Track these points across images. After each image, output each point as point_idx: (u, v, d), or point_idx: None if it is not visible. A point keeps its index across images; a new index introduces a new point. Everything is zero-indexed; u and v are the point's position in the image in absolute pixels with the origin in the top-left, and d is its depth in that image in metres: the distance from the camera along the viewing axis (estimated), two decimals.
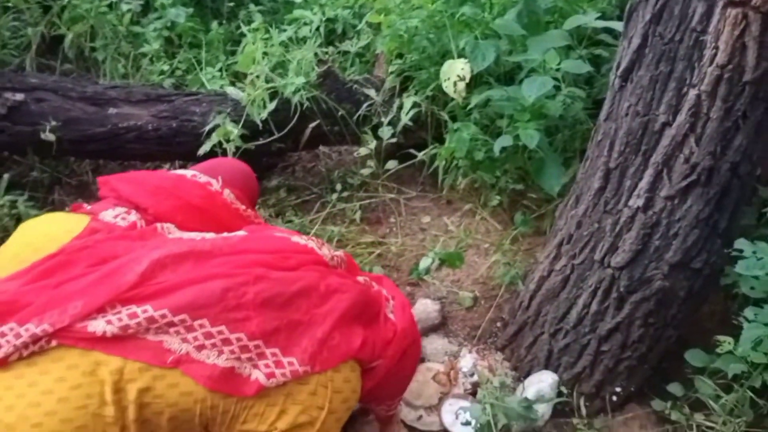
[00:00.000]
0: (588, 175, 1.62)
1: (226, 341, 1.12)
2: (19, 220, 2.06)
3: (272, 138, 2.23)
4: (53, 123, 2.06)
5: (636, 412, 1.78)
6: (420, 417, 1.79)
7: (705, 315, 1.98)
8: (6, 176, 2.08)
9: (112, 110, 2.18)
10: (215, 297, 1.13)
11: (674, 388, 1.71)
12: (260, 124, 2.17)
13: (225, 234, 1.31)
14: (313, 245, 1.34)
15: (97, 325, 1.08)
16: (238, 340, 1.13)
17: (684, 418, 1.71)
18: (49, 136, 2.05)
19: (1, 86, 2.05)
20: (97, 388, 1.06)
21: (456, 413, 1.72)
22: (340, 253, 1.41)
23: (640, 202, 1.48)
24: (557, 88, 1.85)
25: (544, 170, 1.85)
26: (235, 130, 2.14)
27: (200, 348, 1.11)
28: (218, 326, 1.12)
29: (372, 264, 2.19)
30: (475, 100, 1.93)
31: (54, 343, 1.08)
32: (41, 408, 1.04)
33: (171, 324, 1.10)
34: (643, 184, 1.47)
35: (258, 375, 1.13)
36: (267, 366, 1.14)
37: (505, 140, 1.80)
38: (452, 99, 2.03)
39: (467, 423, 1.64)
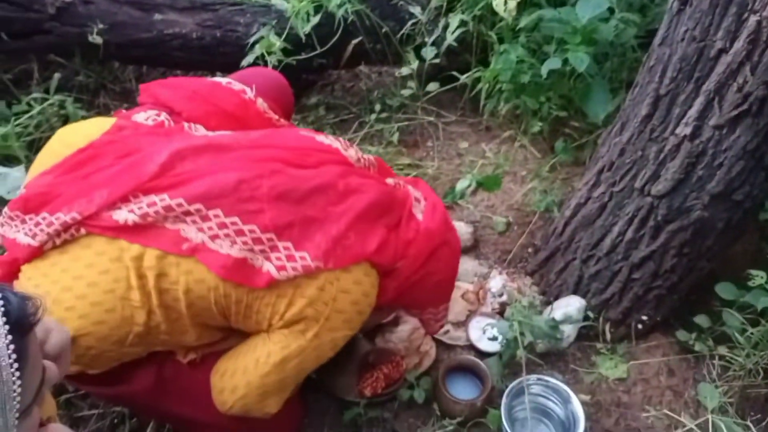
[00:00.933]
0: (636, 102, 1.60)
1: (240, 232, 1.13)
2: (66, 120, 2.11)
3: (314, 53, 2.22)
4: (100, 26, 2.08)
5: (660, 341, 1.82)
6: (447, 331, 1.85)
7: (737, 253, 1.98)
8: (57, 75, 2.12)
9: (157, 16, 2.18)
10: (229, 188, 1.14)
11: (701, 319, 1.73)
12: (303, 38, 2.15)
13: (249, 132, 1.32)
14: (338, 146, 1.32)
15: (120, 215, 1.12)
16: (251, 231, 1.14)
17: (707, 349, 1.74)
18: (96, 38, 2.07)
19: None
20: (123, 273, 1.12)
21: (483, 329, 1.78)
22: (369, 156, 1.39)
23: (688, 131, 1.46)
24: (611, 11, 1.80)
25: (591, 96, 1.82)
26: (278, 43, 2.14)
27: (214, 237, 1.13)
28: (232, 217, 1.13)
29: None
30: (524, 20, 1.89)
31: (83, 231, 1.13)
32: (72, 292, 1.11)
33: (187, 213, 1.12)
34: (693, 112, 1.45)
35: (269, 267, 1.14)
36: (279, 259, 1.15)
37: (553, 62, 1.77)
38: (500, 20, 2.00)
39: (494, 338, 1.69)
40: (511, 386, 1.56)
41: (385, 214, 1.28)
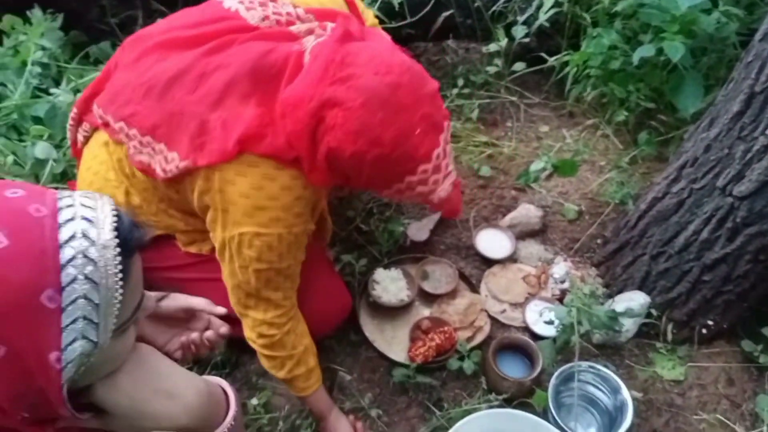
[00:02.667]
0: (729, 98, 1.54)
1: (129, 136, 1.23)
2: None
3: (405, 22, 2.24)
4: None
5: (723, 348, 1.77)
6: (504, 311, 1.86)
7: None
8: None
9: None
10: (115, 93, 1.25)
11: None
12: (396, 7, 2.17)
13: None
14: (239, 7, 1.24)
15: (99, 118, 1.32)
16: (134, 135, 1.22)
17: None
18: None
19: None
20: (106, 156, 1.32)
21: (540, 312, 1.77)
22: (294, 10, 1.25)
23: None
24: (714, 4, 1.72)
25: (683, 88, 1.76)
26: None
27: (128, 143, 1.25)
28: (119, 122, 1.24)
29: (481, 163, 2.21)
30: (622, 4, 1.84)
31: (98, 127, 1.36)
32: (90, 171, 1.37)
33: (118, 128, 1.26)
34: None
35: (156, 167, 1.22)
36: (161, 160, 1.21)
37: (646, 50, 1.72)
38: (596, 3, 1.95)
39: (550, 322, 1.68)
40: (561, 369, 1.56)
41: (254, 89, 1.15)
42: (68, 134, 1.50)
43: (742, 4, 1.95)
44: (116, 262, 0.69)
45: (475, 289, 1.90)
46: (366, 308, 1.84)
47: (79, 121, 1.43)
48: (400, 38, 2.34)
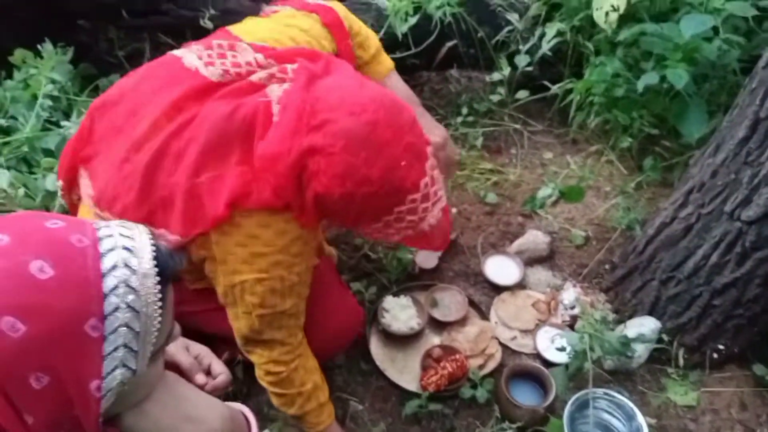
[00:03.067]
0: (734, 124, 1.56)
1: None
2: None
3: (409, 53, 2.27)
4: (212, 11, 2.21)
5: (734, 372, 1.77)
6: (514, 338, 1.86)
7: None
8: None
9: (266, 7, 2.28)
10: (101, 192, 1.23)
11: None
12: (400, 37, 2.21)
13: None
14: (198, 65, 1.21)
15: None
16: None
17: None
18: (207, 23, 2.19)
19: None
20: None
21: (551, 339, 1.77)
22: (249, 58, 1.21)
23: None
24: (715, 32, 1.76)
25: (687, 115, 1.78)
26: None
27: None
28: (114, 219, 1.20)
29: (487, 190, 2.22)
30: (624, 34, 1.87)
31: None
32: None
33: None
34: None
35: None
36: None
37: (650, 77, 1.75)
38: (598, 32, 1.99)
39: (562, 349, 1.68)
40: (576, 396, 1.55)
41: (230, 149, 1.15)
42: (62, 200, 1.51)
43: (741, 31, 1.99)
44: (156, 291, 0.70)
45: (485, 316, 1.90)
46: (376, 336, 1.84)
47: (69, 191, 1.40)
48: (404, 68, 2.37)
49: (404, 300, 1.89)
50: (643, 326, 1.74)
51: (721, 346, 1.72)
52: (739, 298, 1.61)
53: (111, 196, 1.22)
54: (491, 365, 1.77)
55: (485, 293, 1.97)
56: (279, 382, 1.36)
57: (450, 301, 1.91)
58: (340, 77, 1.17)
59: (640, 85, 1.80)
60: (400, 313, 1.85)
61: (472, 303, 1.91)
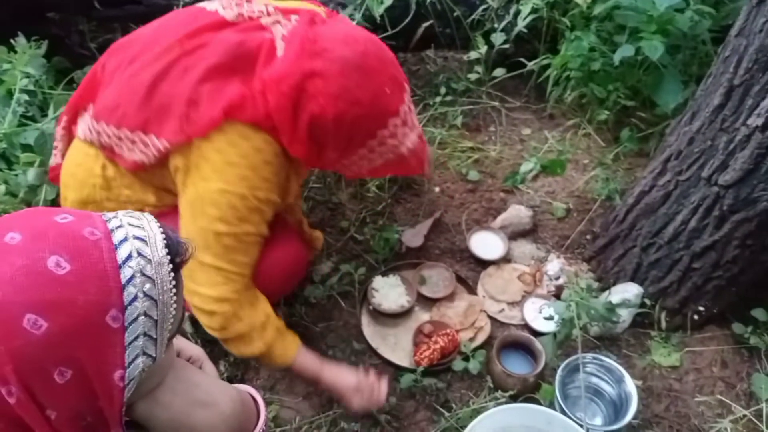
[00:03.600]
0: (709, 92, 1.61)
1: (120, 138, 1.33)
2: None
3: (386, 33, 2.28)
4: (186, 1, 2.19)
5: (714, 332, 1.83)
6: (502, 310, 1.90)
7: None
8: None
9: None
10: (108, 104, 1.33)
11: (758, 312, 1.74)
12: (378, 19, 2.22)
13: None
14: (217, 6, 1.36)
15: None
16: (126, 137, 1.32)
17: (763, 343, 1.74)
18: None
19: None
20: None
21: (539, 308, 1.82)
22: (261, 8, 1.36)
23: (760, 122, 1.46)
24: (686, 3, 1.80)
25: (662, 85, 1.83)
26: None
27: (119, 144, 1.35)
28: (109, 127, 1.33)
29: (468, 168, 2.26)
30: (599, 8, 1.91)
31: None
32: (72, 149, 1.50)
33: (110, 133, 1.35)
34: (766, 103, 1.45)
35: (145, 159, 1.32)
36: (152, 150, 1.30)
37: (626, 50, 1.79)
38: (572, 8, 2.02)
39: (550, 318, 1.72)
40: (567, 361, 1.60)
41: (235, 71, 1.27)
42: (57, 143, 1.59)
43: (709, 2, 2.04)
44: (170, 278, 0.71)
45: (472, 290, 1.94)
46: (367, 316, 1.87)
47: (69, 129, 1.50)
48: None
49: (393, 279, 1.92)
50: (627, 292, 1.79)
51: (701, 308, 1.78)
52: (718, 260, 1.67)
53: (113, 105, 1.32)
54: (481, 338, 1.81)
55: (471, 268, 2.01)
56: (226, 321, 1.36)
57: (438, 278, 1.94)
58: (338, 22, 1.34)
59: (617, 57, 1.84)
60: (389, 292, 1.89)
61: (459, 278, 1.95)
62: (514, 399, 1.64)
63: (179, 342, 1.04)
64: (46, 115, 1.97)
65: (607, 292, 1.80)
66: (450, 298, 1.90)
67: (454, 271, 1.95)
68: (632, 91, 2.14)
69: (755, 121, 1.48)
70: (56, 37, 2.25)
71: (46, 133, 1.84)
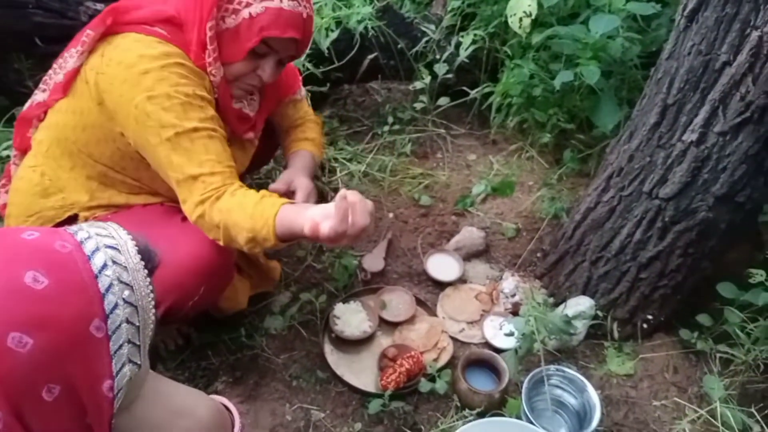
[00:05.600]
0: (644, 112, 1.72)
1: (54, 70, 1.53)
2: None
3: (333, 66, 2.33)
4: None
5: (663, 339, 1.92)
6: (462, 330, 1.93)
7: (731, 261, 2.10)
8: None
9: None
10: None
11: (703, 318, 1.83)
12: (325, 52, 2.26)
13: None
14: None
15: None
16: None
17: (709, 347, 1.84)
18: None
19: None
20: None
21: (499, 325, 1.86)
22: None
23: (694, 137, 1.58)
24: (617, 31, 1.94)
25: (600, 108, 1.95)
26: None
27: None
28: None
29: (420, 193, 2.31)
30: (536, 37, 2.02)
31: None
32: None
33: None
34: (698, 119, 1.57)
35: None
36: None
37: (566, 75, 1.90)
38: (511, 38, 2.13)
39: (510, 334, 1.77)
40: (532, 374, 1.64)
41: None
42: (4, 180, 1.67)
43: (634, 29, 2.19)
44: (147, 283, 0.72)
45: (432, 312, 1.96)
46: (330, 344, 1.86)
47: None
48: (329, 81, 2.43)
49: (354, 305, 1.93)
50: (580, 305, 1.87)
51: (650, 316, 1.87)
52: (663, 269, 1.76)
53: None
54: (444, 358, 1.83)
55: (430, 290, 2.04)
56: (210, 219, 1.35)
57: (398, 302, 1.96)
58: None
59: (557, 82, 1.95)
60: (351, 318, 1.89)
61: (419, 301, 1.98)
62: (481, 416, 1.66)
63: None
64: None
65: (562, 306, 1.87)
66: (411, 321, 1.92)
67: (413, 294, 1.98)
68: (570, 115, 2.26)
69: (690, 136, 1.59)
70: None
71: None
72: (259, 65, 1.46)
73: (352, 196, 1.25)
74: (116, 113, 1.37)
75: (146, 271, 0.72)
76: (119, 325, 0.67)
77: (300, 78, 1.88)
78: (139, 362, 0.70)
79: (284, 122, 1.85)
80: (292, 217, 1.30)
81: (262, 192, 1.38)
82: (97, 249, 0.69)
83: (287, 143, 1.81)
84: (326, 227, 1.22)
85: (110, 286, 0.67)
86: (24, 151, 1.60)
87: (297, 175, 1.66)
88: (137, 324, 0.69)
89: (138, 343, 0.69)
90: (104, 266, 0.68)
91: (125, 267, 0.69)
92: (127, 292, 0.68)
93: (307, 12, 1.43)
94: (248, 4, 1.37)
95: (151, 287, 0.72)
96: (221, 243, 1.39)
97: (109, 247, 0.70)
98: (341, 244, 1.29)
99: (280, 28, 1.38)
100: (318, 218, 1.25)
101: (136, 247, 0.72)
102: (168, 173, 1.38)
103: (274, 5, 1.37)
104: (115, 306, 0.67)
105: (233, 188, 1.38)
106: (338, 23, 2.31)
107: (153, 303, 0.72)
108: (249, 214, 1.33)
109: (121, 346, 0.67)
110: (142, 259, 0.72)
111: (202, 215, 1.36)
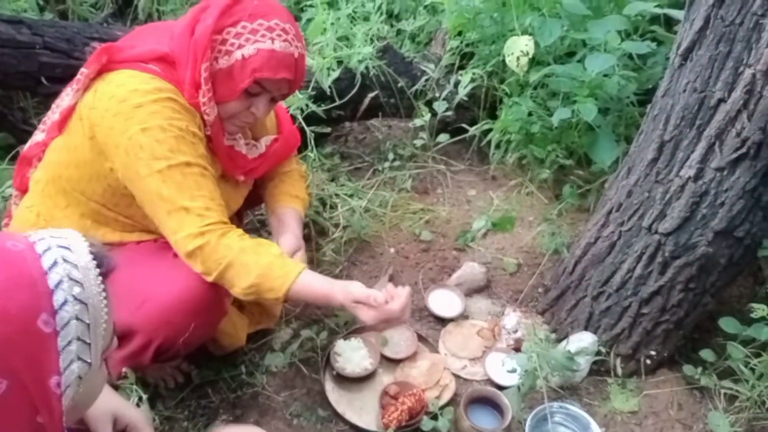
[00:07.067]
0: (641, 148, 1.74)
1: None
2: None
3: (334, 104, 2.37)
4: None
5: (667, 376, 1.90)
6: (464, 366, 1.92)
7: (734, 297, 2.11)
8: None
9: None
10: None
11: (706, 353, 1.83)
12: (327, 91, 2.30)
13: None
14: None
15: None
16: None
17: (713, 383, 1.83)
18: None
19: (90, 36, 2.20)
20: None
21: (502, 362, 1.85)
22: None
23: (691, 173, 1.60)
24: (613, 69, 1.97)
25: (598, 144, 1.97)
26: (302, 96, 2.27)
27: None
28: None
29: (421, 228, 2.32)
30: (534, 76, 2.06)
31: None
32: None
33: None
34: (695, 155, 1.59)
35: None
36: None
37: (564, 112, 1.93)
38: (509, 76, 2.17)
39: (513, 370, 1.76)
40: (535, 411, 1.63)
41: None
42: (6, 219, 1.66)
43: (629, 67, 2.24)
44: (99, 281, 0.72)
45: (434, 348, 1.95)
46: (331, 381, 1.85)
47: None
48: (330, 119, 2.47)
49: (355, 342, 1.91)
50: (582, 341, 1.86)
51: (653, 352, 1.86)
52: (665, 304, 1.76)
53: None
54: (447, 395, 1.81)
55: (431, 326, 2.04)
56: (211, 252, 1.36)
57: (399, 338, 1.95)
58: None
59: (555, 119, 1.97)
60: (352, 355, 1.88)
61: (420, 338, 1.97)
62: None
63: (119, 407, 1.01)
64: None
65: (564, 342, 1.86)
66: (413, 357, 1.91)
67: (414, 331, 1.97)
68: (569, 151, 2.29)
69: (687, 172, 1.61)
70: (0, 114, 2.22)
71: None
72: (252, 103, 1.48)
73: (404, 297, 1.45)
74: (106, 146, 1.38)
75: (99, 270, 0.73)
76: (68, 322, 0.68)
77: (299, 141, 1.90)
78: (89, 360, 0.70)
79: (272, 169, 1.85)
80: (319, 282, 1.44)
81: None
82: (49, 248, 0.71)
83: (276, 194, 1.81)
84: (370, 316, 1.42)
85: (60, 282, 0.68)
86: (24, 191, 1.62)
87: (298, 240, 1.70)
88: (87, 321, 0.70)
89: (88, 341, 0.70)
90: (54, 263, 0.69)
91: (75, 265, 0.70)
92: (77, 289, 0.69)
93: (299, 52, 1.45)
94: (240, 46, 1.39)
95: (103, 286, 0.72)
96: (210, 278, 1.38)
97: (61, 246, 0.71)
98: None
99: (272, 69, 1.41)
100: (359, 296, 1.42)
101: (90, 248, 0.73)
102: (156, 205, 1.38)
103: (266, 47, 1.39)
104: (65, 302, 0.68)
105: (239, 231, 1.40)
106: (339, 63, 2.35)
107: (105, 302, 0.72)
108: (266, 262, 1.38)
109: (70, 342, 0.68)
110: (94, 259, 0.72)
111: (201, 246, 1.36)
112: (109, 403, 1.00)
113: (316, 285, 1.44)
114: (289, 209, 1.76)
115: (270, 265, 1.38)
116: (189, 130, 1.39)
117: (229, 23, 1.39)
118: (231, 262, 1.36)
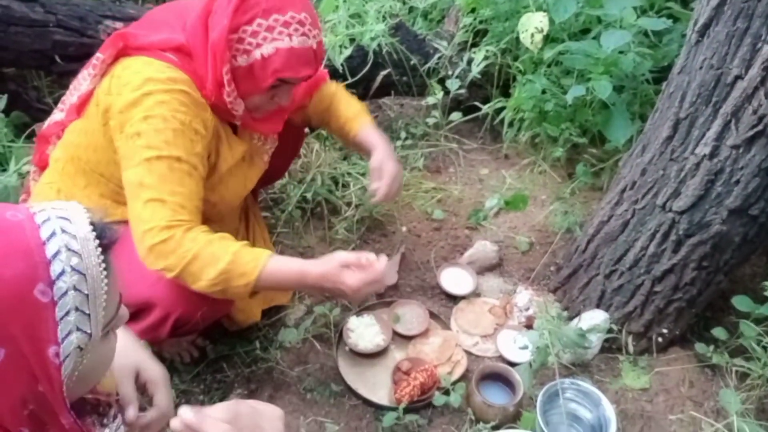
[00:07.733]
0: (657, 126, 1.73)
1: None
2: None
3: (346, 82, 2.36)
4: None
5: (679, 354, 1.91)
6: (476, 343, 1.94)
7: (747, 276, 2.10)
8: None
9: None
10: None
11: (718, 332, 1.82)
12: (339, 68, 2.30)
13: None
14: None
15: None
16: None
17: (725, 361, 1.83)
18: None
19: (102, 14, 2.20)
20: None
21: (514, 339, 1.87)
22: None
23: (707, 150, 1.59)
24: (628, 46, 1.96)
25: (612, 122, 1.96)
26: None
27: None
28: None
29: (433, 207, 2.32)
30: (548, 53, 2.04)
31: None
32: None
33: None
34: (711, 133, 1.58)
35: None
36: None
37: (578, 90, 1.92)
38: (523, 53, 2.15)
39: (525, 347, 1.77)
40: (546, 387, 1.64)
41: None
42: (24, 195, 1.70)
43: (645, 45, 2.21)
44: (97, 253, 0.73)
45: (446, 326, 1.97)
46: (344, 357, 1.87)
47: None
48: None
49: (367, 319, 1.93)
50: (594, 319, 1.86)
51: (665, 330, 1.86)
52: (678, 282, 1.76)
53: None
54: (458, 371, 1.83)
55: (443, 304, 2.05)
56: (175, 247, 1.33)
57: (411, 315, 1.97)
58: None
59: (569, 97, 1.96)
60: (365, 331, 1.90)
61: (432, 315, 1.98)
62: (495, 429, 1.66)
63: (142, 361, 1.02)
64: (6, 170, 1.94)
65: (576, 320, 1.87)
66: (425, 334, 1.92)
67: (427, 308, 1.98)
68: (582, 129, 2.28)
69: (702, 150, 1.60)
70: (13, 93, 2.23)
71: (9, 187, 1.82)
72: (275, 93, 1.48)
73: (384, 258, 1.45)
74: (114, 129, 1.40)
75: (98, 242, 0.73)
76: (66, 292, 0.69)
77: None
78: (88, 331, 0.71)
79: (320, 106, 1.86)
80: (291, 262, 1.45)
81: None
82: (48, 219, 0.71)
83: (341, 124, 1.82)
84: (351, 282, 1.40)
85: (58, 252, 0.69)
86: (42, 167, 1.65)
87: (386, 161, 1.74)
88: (86, 292, 0.70)
89: (87, 312, 0.70)
90: (53, 234, 0.70)
91: (74, 236, 0.71)
92: (75, 260, 0.70)
93: (317, 41, 1.44)
94: (258, 45, 1.37)
95: (102, 257, 0.73)
96: (172, 275, 1.35)
97: (60, 218, 0.72)
98: (355, 296, 1.45)
99: (293, 69, 1.41)
100: (336, 270, 1.41)
101: (90, 219, 0.74)
102: (136, 191, 1.37)
103: (284, 45, 1.37)
104: (62, 272, 0.68)
105: (204, 228, 1.39)
106: (352, 40, 2.34)
107: (104, 273, 0.73)
108: (234, 249, 1.37)
109: (68, 313, 0.69)
110: (93, 230, 0.73)
111: (166, 240, 1.33)
112: (133, 357, 1.00)
113: (288, 264, 1.43)
114: (362, 131, 1.79)
115: (239, 252, 1.37)
116: (191, 125, 1.39)
117: (244, 21, 1.36)
118: (197, 254, 1.34)
